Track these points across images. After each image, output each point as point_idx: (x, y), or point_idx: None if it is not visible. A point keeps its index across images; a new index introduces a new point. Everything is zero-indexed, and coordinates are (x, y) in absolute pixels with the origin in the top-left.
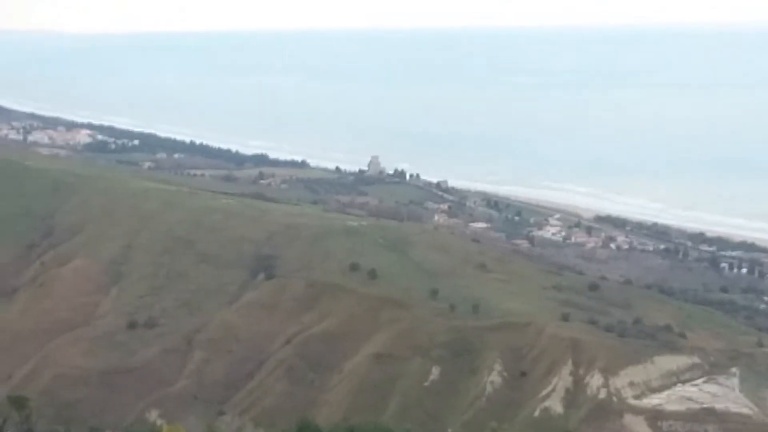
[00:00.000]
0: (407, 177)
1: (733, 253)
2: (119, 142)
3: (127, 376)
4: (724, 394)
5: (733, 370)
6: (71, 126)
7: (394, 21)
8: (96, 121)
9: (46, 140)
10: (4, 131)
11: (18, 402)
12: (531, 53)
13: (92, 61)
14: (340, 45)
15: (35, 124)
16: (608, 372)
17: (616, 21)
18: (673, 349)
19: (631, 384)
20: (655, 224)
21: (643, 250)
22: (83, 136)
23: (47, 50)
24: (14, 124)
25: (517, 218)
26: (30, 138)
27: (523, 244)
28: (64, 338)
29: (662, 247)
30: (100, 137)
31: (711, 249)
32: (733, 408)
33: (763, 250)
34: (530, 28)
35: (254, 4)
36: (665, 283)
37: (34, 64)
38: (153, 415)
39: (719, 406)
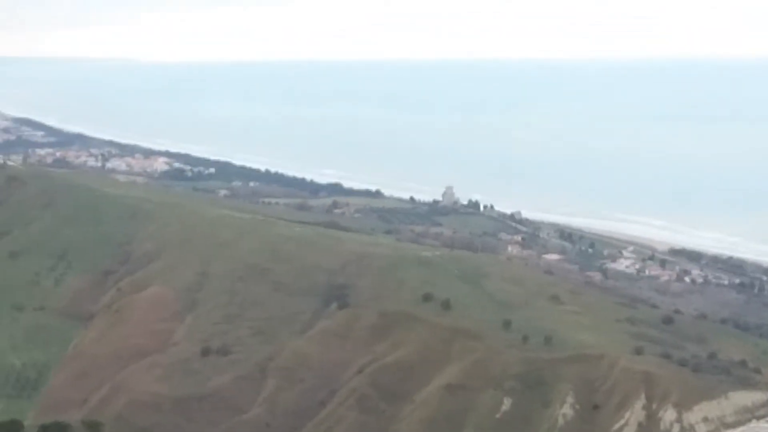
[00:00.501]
0: (481, 208)
1: None
2: (195, 169)
3: (200, 403)
4: None
5: None
6: (148, 153)
7: (471, 52)
8: (173, 149)
9: (123, 167)
10: (83, 158)
11: (92, 426)
12: (603, 84)
13: (170, 89)
14: (418, 75)
15: (113, 151)
16: (682, 407)
17: (681, 53)
18: (748, 384)
19: (705, 419)
20: (730, 258)
21: (718, 284)
22: (160, 164)
23: (127, 79)
24: (93, 151)
25: (590, 250)
26: (108, 165)
27: (597, 276)
28: (139, 364)
29: (737, 281)
30: (176, 165)
31: None
32: None
33: None
34: (601, 60)
35: (335, 34)
36: (740, 317)
37: (113, 93)
38: None
39: None
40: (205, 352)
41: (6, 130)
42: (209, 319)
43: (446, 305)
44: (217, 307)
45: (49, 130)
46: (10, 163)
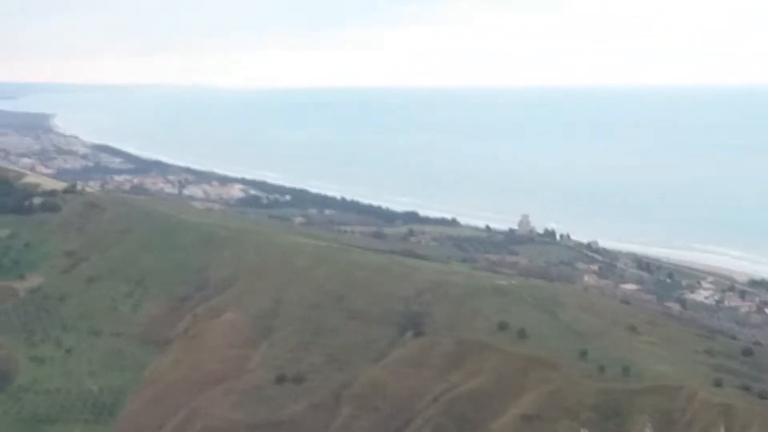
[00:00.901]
0: (557, 237)
1: None
2: (271, 197)
3: (274, 430)
4: None
5: None
6: (225, 180)
7: (553, 79)
8: (249, 176)
9: (200, 194)
10: (160, 185)
11: None
12: (675, 111)
13: (247, 116)
14: (498, 103)
15: (190, 178)
16: None
17: (749, 81)
18: None
19: None
20: None
21: None
22: (236, 191)
23: (204, 105)
24: (170, 178)
25: (668, 280)
26: (185, 192)
27: (675, 306)
28: (214, 390)
29: None
30: (252, 192)
31: None
32: None
33: None
34: (671, 87)
35: (415, 63)
36: None
37: (191, 119)
38: None
39: None
40: (280, 380)
41: (85, 157)
42: (284, 346)
43: (522, 334)
44: (292, 334)
45: (127, 157)
46: (88, 189)
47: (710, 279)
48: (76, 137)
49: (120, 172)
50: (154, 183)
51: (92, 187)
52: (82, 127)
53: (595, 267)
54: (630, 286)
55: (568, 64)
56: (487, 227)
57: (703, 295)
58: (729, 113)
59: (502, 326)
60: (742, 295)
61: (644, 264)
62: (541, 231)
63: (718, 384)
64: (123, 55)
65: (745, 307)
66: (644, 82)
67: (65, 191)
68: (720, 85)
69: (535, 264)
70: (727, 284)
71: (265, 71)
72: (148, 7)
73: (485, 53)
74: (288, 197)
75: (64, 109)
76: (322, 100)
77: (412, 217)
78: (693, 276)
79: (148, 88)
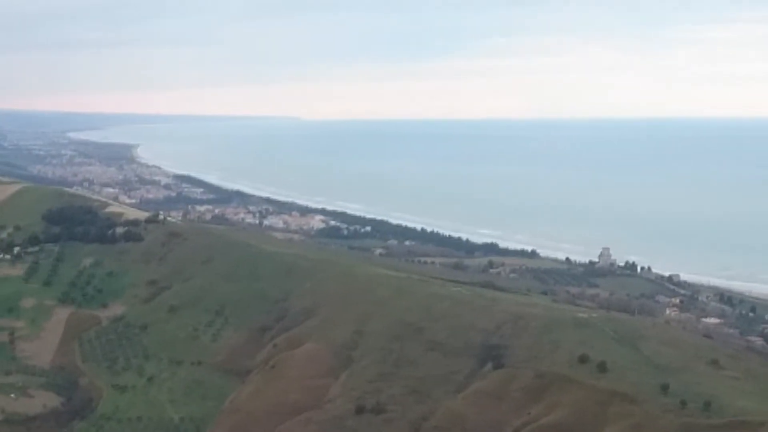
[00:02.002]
0: (638, 269)
1: None
2: (351, 227)
3: None
4: None
5: None
6: (305, 211)
7: (630, 111)
8: (329, 207)
9: (280, 225)
10: (241, 215)
11: None
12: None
13: (328, 147)
14: (577, 134)
15: (270, 208)
16: None
17: None
18: None
19: None
20: None
21: None
22: (317, 222)
23: (287, 136)
24: (251, 208)
25: (751, 314)
26: (265, 222)
27: (758, 341)
28: (294, 420)
29: None
30: (332, 223)
31: None
32: None
33: None
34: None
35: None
36: None
37: (273, 150)
38: None
39: None
40: (360, 410)
41: (167, 187)
42: (364, 376)
43: (602, 367)
44: (372, 365)
45: (209, 187)
46: (170, 219)
47: None
48: (159, 167)
49: (201, 202)
50: (235, 213)
51: (174, 216)
52: (165, 157)
53: (676, 300)
54: (712, 320)
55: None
56: (567, 259)
57: None
58: None
59: (583, 359)
60: None
61: (726, 297)
62: (621, 263)
63: None
64: (207, 87)
65: None
66: (728, 115)
67: (147, 221)
68: None
69: (616, 297)
70: None
71: (350, 103)
72: (233, 39)
73: (565, 86)
74: (368, 228)
75: (148, 140)
76: (406, 131)
77: (491, 249)
78: None
79: (234, 119)
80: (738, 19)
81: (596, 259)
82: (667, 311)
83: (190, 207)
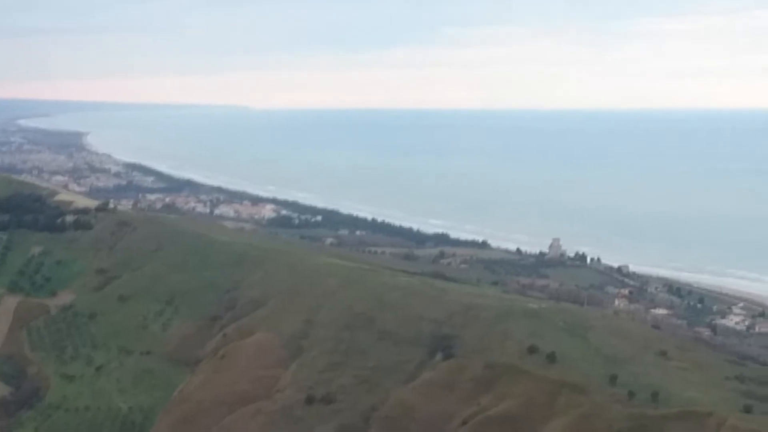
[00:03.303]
0: (588, 260)
1: None
2: (303, 217)
3: None
4: None
5: None
6: (256, 200)
7: (600, 103)
8: (281, 196)
9: (231, 214)
10: (192, 204)
11: None
12: (712, 138)
13: (279, 136)
14: (528, 125)
15: (221, 197)
16: None
17: None
18: None
19: None
20: None
21: None
22: (268, 211)
23: (239, 125)
24: (202, 197)
25: (699, 305)
26: (216, 211)
27: (705, 332)
28: (244, 411)
29: None
30: (284, 212)
31: None
32: None
33: None
34: (693, 111)
35: (456, 87)
36: None
37: (225, 139)
38: None
39: None
40: (310, 400)
41: (117, 175)
42: (314, 366)
43: (552, 358)
44: (322, 355)
45: (159, 176)
46: (120, 207)
47: (741, 305)
48: (109, 155)
49: (152, 190)
50: (185, 202)
51: (124, 205)
52: (115, 145)
53: (625, 291)
54: (660, 311)
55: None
56: (518, 250)
57: (734, 320)
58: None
59: (532, 350)
60: None
61: (675, 289)
62: (571, 254)
63: (748, 410)
64: (159, 75)
65: None
66: (666, 107)
67: (97, 209)
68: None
69: (566, 288)
70: (758, 310)
71: (303, 93)
72: (186, 27)
73: (517, 78)
74: (319, 218)
75: (98, 128)
76: (358, 120)
77: (442, 239)
78: (724, 301)
79: (184, 107)
80: (691, 11)
81: (546, 250)
82: (616, 302)
83: (140, 195)
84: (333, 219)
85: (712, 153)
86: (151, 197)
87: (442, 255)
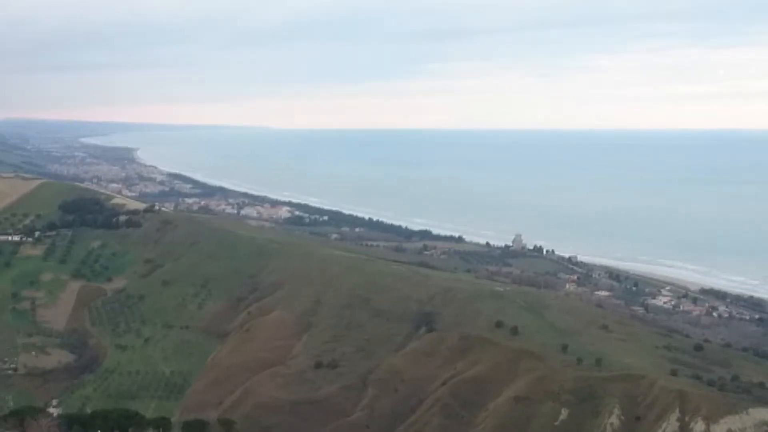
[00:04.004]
0: (544, 252)
1: None
2: (312, 217)
3: (312, 407)
4: None
5: None
6: (274, 203)
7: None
8: (294, 200)
9: (254, 214)
10: (222, 206)
11: (226, 424)
12: (641, 153)
13: (293, 151)
14: (496, 142)
15: (246, 201)
16: (710, 420)
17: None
18: (765, 403)
19: (729, 431)
20: (751, 297)
21: (740, 319)
22: (284, 212)
23: (261, 142)
24: (230, 201)
25: (634, 288)
26: (242, 212)
27: (639, 310)
28: (264, 374)
29: (757, 316)
30: (297, 213)
31: None
32: None
33: None
34: (640, 131)
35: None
36: (759, 347)
37: (250, 153)
38: None
39: None
40: (318, 365)
41: (161, 183)
42: (321, 338)
43: (515, 331)
44: (328, 329)
45: (196, 183)
46: (164, 209)
47: (668, 288)
48: (155, 167)
49: (190, 195)
50: (217, 205)
51: (167, 207)
52: (160, 159)
53: (574, 277)
54: (603, 293)
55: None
56: (487, 244)
57: (662, 300)
58: (685, 153)
59: (499, 324)
60: (694, 301)
61: (615, 275)
62: (531, 247)
63: (674, 374)
64: (196, 101)
65: (696, 311)
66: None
67: (145, 210)
68: (673, 129)
69: (526, 274)
70: (682, 292)
71: (313, 115)
72: (218, 63)
73: (482, 102)
74: (326, 217)
75: (146, 145)
76: (358, 138)
77: (425, 235)
78: (654, 285)
79: (216, 128)
80: (622, 50)
81: (510, 244)
82: (567, 286)
83: (180, 199)
84: (337, 218)
85: (642, 165)
86: (189, 201)
87: (425, 248)
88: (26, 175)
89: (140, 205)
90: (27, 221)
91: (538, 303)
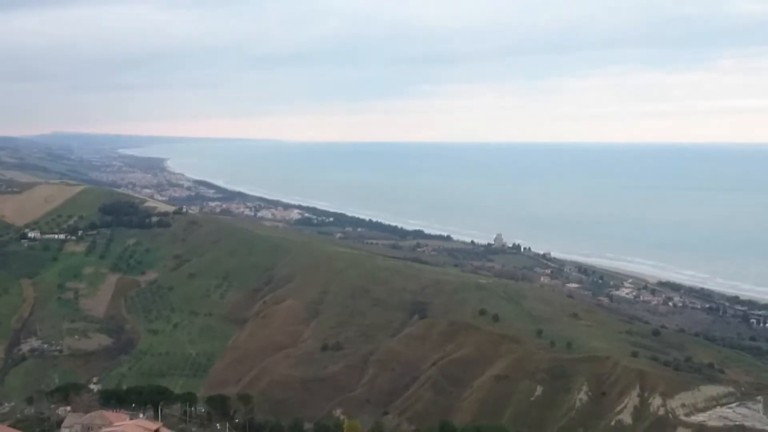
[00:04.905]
0: (521, 249)
1: (760, 312)
2: (319, 218)
3: (320, 383)
4: (752, 415)
5: (759, 398)
6: (286, 206)
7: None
8: (304, 204)
9: (269, 216)
10: (241, 209)
11: (244, 399)
12: (608, 164)
13: (303, 162)
14: (482, 154)
15: (262, 204)
16: (666, 395)
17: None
18: (714, 380)
19: (683, 405)
20: (702, 289)
21: (693, 308)
22: (295, 214)
23: (276, 153)
24: (248, 204)
25: (600, 281)
26: (258, 214)
27: (605, 300)
28: (277, 355)
29: (707, 306)
30: (306, 215)
31: (743, 308)
32: (758, 426)
33: None
34: (604, 143)
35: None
36: (709, 332)
37: (265, 162)
38: (338, 412)
39: (748, 424)
40: (324, 348)
41: (188, 189)
42: (327, 324)
43: (496, 318)
44: (333, 316)
45: (218, 189)
46: (190, 211)
47: (630, 280)
48: (182, 174)
49: (212, 199)
50: (236, 207)
51: (193, 210)
52: (187, 167)
53: (548, 271)
54: (573, 285)
55: (519, 126)
56: (472, 242)
57: (625, 292)
58: (646, 164)
59: (482, 312)
60: (653, 292)
61: (583, 269)
62: (510, 245)
63: (635, 355)
64: (218, 117)
65: (654, 301)
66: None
67: (174, 212)
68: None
69: (506, 269)
70: (642, 284)
71: (320, 130)
72: (237, 83)
73: (468, 119)
74: (331, 219)
75: (175, 155)
76: (361, 150)
77: (418, 234)
78: (618, 278)
79: (235, 140)
80: (590, 74)
81: (492, 242)
82: (541, 279)
83: (204, 203)
84: (341, 220)
85: (607, 174)
86: (212, 204)
87: (418, 245)
88: (70, 182)
89: (169, 208)
90: (71, 222)
91: (517, 294)
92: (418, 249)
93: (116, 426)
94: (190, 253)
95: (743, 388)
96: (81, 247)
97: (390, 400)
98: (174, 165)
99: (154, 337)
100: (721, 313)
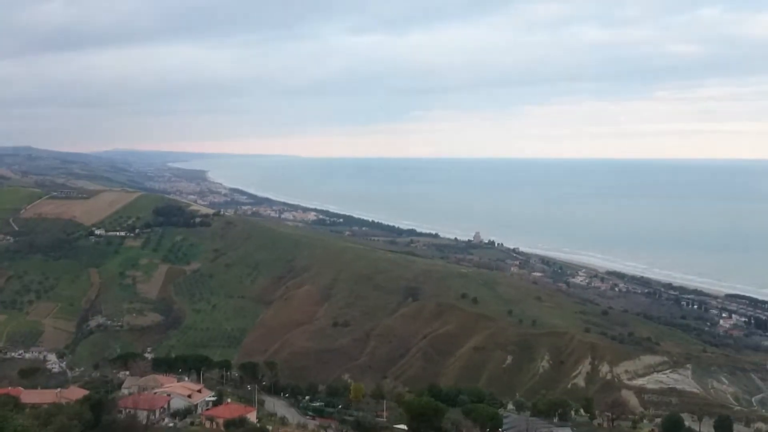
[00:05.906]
0: (496, 244)
1: (689, 296)
2: (331, 219)
3: (331, 354)
4: (682, 380)
5: (688, 365)
6: (305, 209)
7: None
8: (319, 207)
9: (290, 217)
10: (269, 212)
11: (270, 365)
12: (572, 177)
13: (317, 174)
14: (464, 167)
15: (285, 208)
16: (612, 364)
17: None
18: (651, 351)
19: (626, 371)
20: (642, 277)
21: (634, 292)
22: (311, 216)
23: (294, 166)
24: (274, 207)
25: (559, 271)
26: (282, 216)
27: (563, 286)
28: (297, 330)
29: (646, 290)
30: (321, 216)
31: (675, 293)
32: (687, 388)
33: (707, 294)
34: (572, 159)
35: (418, 142)
36: (647, 312)
37: (286, 174)
38: (346, 377)
39: (679, 387)
40: (335, 324)
41: (225, 195)
42: (337, 305)
43: (475, 300)
44: (342, 299)
45: (249, 195)
46: (226, 214)
47: (583, 270)
48: (220, 183)
49: (245, 204)
50: (264, 210)
51: (229, 212)
52: (224, 178)
53: (517, 262)
54: (537, 274)
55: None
56: (456, 238)
57: (579, 279)
58: (597, 176)
59: (464, 295)
60: (602, 279)
61: (546, 261)
62: (486, 241)
63: (587, 331)
64: (248, 137)
65: (603, 287)
66: (539, 156)
67: (213, 215)
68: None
69: (483, 260)
70: (593, 273)
71: (334, 147)
72: (263, 110)
73: (452, 139)
74: (341, 220)
75: (214, 168)
76: (368, 165)
77: (411, 232)
78: (573, 268)
79: (260, 156)
80: (553, 102)
81: (472, 239)
82: (512, 269)
83: (238, 207)
84: (349, 220)
85: (564, 184)
86: (245, 207)
87: (411, 241)
88: (129, 189)
89: (210, 211)
90: (130, 222)
91: (492, 281)
92: (412, 244)
93: (166, 386)
94: (227, 248)
95: (675, 358)
96: (138, 243)
97: (388, 367)
98: (213, 176)
99: (197, 315)
100: (657, 296)
